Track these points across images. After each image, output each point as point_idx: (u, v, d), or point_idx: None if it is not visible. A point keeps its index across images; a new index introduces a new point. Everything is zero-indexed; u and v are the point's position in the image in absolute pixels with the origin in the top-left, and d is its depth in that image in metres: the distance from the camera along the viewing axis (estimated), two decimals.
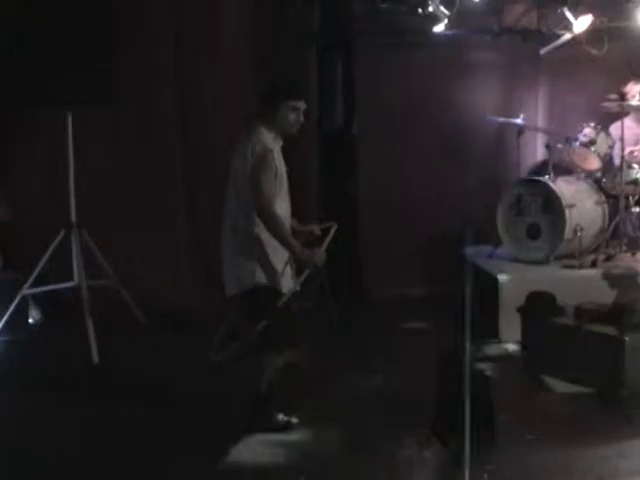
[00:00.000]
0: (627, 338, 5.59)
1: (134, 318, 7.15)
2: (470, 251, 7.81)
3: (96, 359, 6.43)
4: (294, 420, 5.20)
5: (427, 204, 8.11)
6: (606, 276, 6.97)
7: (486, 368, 5.65)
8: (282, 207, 5.02)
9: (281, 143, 5.10)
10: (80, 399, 5.69)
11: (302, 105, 5.08)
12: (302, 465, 4.72)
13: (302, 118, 5.09)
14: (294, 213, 5.19)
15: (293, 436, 5.09)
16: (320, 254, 5.00)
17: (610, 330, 5.72)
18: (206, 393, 5.67)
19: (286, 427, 5.16)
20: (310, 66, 7.87)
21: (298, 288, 5.09)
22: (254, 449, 4.92)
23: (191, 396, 5.65)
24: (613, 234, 7.48)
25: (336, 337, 6.96)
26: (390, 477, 4.60)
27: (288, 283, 5.07)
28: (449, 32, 7.68)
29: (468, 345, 4.57)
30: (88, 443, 5.04)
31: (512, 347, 6.60)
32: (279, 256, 5.01)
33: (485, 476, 4.49)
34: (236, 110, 7.40)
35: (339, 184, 8.13)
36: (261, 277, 4.99)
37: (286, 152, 5.12)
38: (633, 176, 7.39)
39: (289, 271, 5.10)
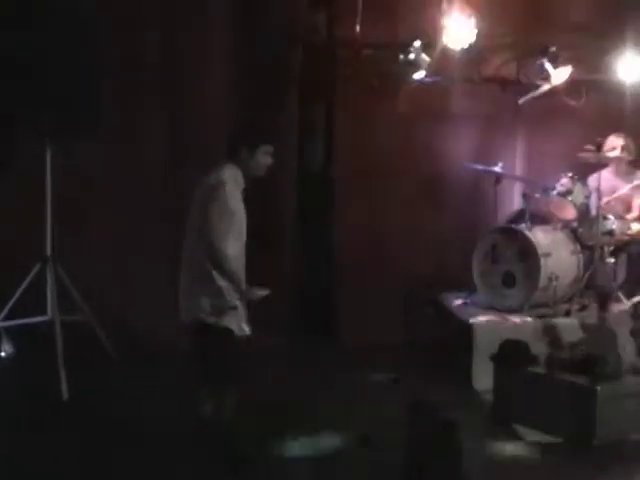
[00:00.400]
0: (599, 388, 5.61)
1: (107, 354, 7.08)
2: (445, 297, 7.86)
3: (66, 395, 6.36)
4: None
5: (404, 250, 8.08)
6: (580, 326, 6.99)
7: (457, 416, 5.58)
8: (235, 245, 5.00)
9: (244, 186, 5.11)
10: (47, 435, 5.63)
11: (271, 149, 5.16)
12: None
13: (270, 160, 5.16)
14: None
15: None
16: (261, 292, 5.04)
17: (582, 380, 5.74)
18: (177, 431, 5.58)
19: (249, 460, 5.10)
20: (291, 106, 7.90)
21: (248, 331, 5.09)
22: None
23: (162, 434, 5.57)
24: (587, 284, 7.50)
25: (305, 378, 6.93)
26: None
27: (241, 323, 5.05)
28: (429, 79, 7.73)
29: None
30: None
31: (485, 395, 6.57)
32: (232, 295, 4.99)
33: None
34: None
35: (316, 227, 8.14)
36: (210, 314, 4.97)
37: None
38: (609, 227, 7.44)
39: (243, 311, 5.06)
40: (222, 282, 4.95)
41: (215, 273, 4.93)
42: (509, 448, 5.65)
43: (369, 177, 8.04)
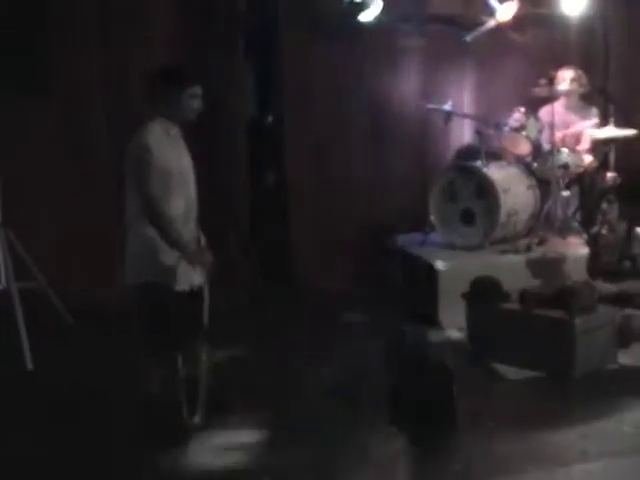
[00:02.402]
0: (577, 320, 5.65)
1: (62, 321, 6.87)
2: (402, 239, 7.82)
3: (30, 365, 6.15)
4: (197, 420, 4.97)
5: (358, 192, 8.02)
6: (541, 260, 7.03)
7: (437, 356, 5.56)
8: (176, 204, 4.81)
9: (178, 133, 4.90)
10: (20, 406, 5.48)
11: (199, 90, 4.88)
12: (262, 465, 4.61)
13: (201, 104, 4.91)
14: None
15: (238, 437, 4.96)
16: (208, 256, 4.93)
17: (559, 313, 5.77)
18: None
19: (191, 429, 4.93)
20: (237, 52, 7.68)
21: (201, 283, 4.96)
22: (202, 455, 4.75)
23: (128, 401, 5.38)
24: (545, 218, 7.54)
25: (274, 331, 6.84)
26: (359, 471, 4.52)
27: (186, 279, 4.88)
28: (375, 19, 7.60)
29: None
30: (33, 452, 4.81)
31: (455, 334, 6.57)
32: (172, 253, 4.80)
33: (457, 466, 4.45)
34: None
35: (268, 173, 8.00)
36: (148, 275, 4.82)
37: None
38: (563, 160, 7.45)
39: (186, 267, 4.86)
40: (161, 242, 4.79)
41: (151, 233, 4.77)
42: (492, 386, 5.65)
43: (319, 121, 7.91)
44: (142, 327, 4.92)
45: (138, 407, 5.02)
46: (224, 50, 7.55)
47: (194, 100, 4.85)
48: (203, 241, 5.05)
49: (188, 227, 4.91)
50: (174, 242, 4.76)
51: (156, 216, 4.71)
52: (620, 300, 6.27)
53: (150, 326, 4.84)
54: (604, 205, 6.62)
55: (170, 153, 4.81)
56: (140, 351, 4.91)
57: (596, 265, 6.74)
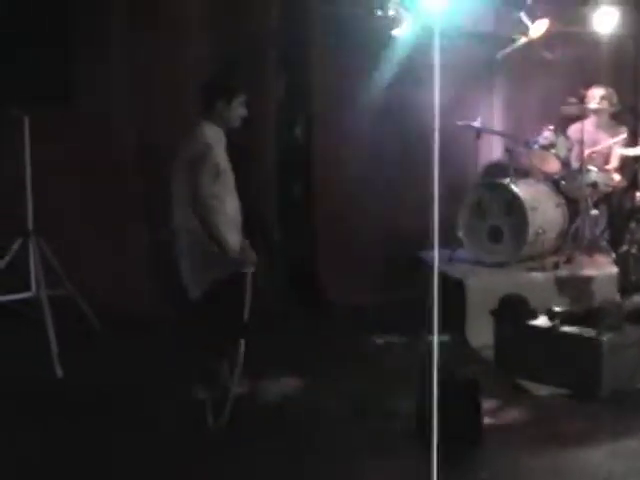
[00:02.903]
0: (605, 338, 5.64)
1: (91, 327, 6.91)
2: (429, 255, 7.80)
3: (60, 372, 6.19)
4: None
5: (386, 207, 8.04)
6: (569, 278, 7.03)
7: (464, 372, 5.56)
8: (231, 205, 4.99)
9: (225, 139, 5.09)
10: (51, 415, 5.48)
11: (245, 98, 5.17)
12: None
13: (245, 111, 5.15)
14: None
15: None
16: (252, 255, 5.03)
17: (586, 331, 5.77)
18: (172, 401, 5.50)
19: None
20: (269, 66, 7.74)
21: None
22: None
23: (158, 407, 5.46)
24: (573, 236, 7.53)
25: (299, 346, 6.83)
26: None
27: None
28: (408, 35, 7.62)
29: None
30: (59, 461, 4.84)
31: (483, 351, 6.57)
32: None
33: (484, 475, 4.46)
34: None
35: (295, 186, 8.03)
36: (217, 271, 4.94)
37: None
38: (592, 179, 7.46)
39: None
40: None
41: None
42: (518, 403, 5.65)
43: (348, 135, 7.93)
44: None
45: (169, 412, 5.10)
46: (255, 64, 7.59)
47: (241, 108, 5.11)
48: (245, 242, 5.15)
49: (238, 229, 5.08)
50: (218, 238, 4.89)
51: (207, 209, 4.84)
52: None
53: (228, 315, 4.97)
54: (632, 224, 6.61)
55: (224, 154, 5.05)
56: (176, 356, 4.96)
57: (626, 284, 6.72)
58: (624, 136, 7.75)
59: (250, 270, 4.98)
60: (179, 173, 5.06)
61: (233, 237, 5.01)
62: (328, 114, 7.93)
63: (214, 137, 5.01)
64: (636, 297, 6.39)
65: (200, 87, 5.39)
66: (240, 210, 5.16)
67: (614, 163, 7.81)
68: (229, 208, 4.98)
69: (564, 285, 6.99)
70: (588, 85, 7.72)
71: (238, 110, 5.11)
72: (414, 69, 7.88)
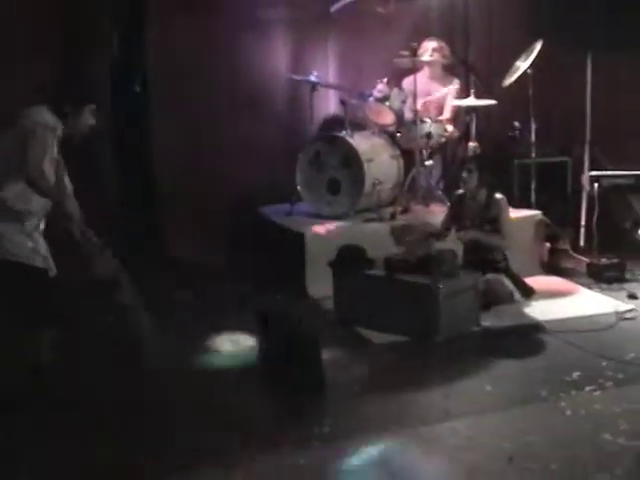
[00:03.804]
0: (440, 285, 5.79)
1: None
2: (270, 209, 7.84)
3: None
4: None
5: (226, 164, 7.96)
6: (407, 228, 7.16)
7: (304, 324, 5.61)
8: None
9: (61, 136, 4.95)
10: None
11: (94, 107, 5.10)
12: None
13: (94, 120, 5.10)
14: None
15: None
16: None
17: (422, 279, 5.90)
18: None
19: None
20: (103, 31, 7.52)
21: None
22: None
23: None
24: (408, 187, 7.68)
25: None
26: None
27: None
28: None
29: None
30: None
31: (323, 302, 6.64)
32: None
33: (325, 429, 4.52)
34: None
35: (136, 147, 7.84)
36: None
37: None
38: (426, 130, 7.60)
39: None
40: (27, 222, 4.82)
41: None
42: (358, 351, 5.75)
43: (185, 95, 7.80)
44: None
45: None
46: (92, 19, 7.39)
47: (91, 117, 5.04)
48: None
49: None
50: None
51: (40, 176, 4.71)
52: (483, 264, 6.46)
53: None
54: (464, 174, 6.77)
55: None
56: None
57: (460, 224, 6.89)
58: (456, 86, 7.94)
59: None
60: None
61: None
62: (165, 70, 7.76)
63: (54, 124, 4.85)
64: (471, 231, 6.57)
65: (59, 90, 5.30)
66: None
67: (447, 114, 8.00)
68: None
69: (401, 234, 7.11)
70: (421, 38, 7.84)
71: (87, 119, 5.01)
72: (249, 25, 7.87)
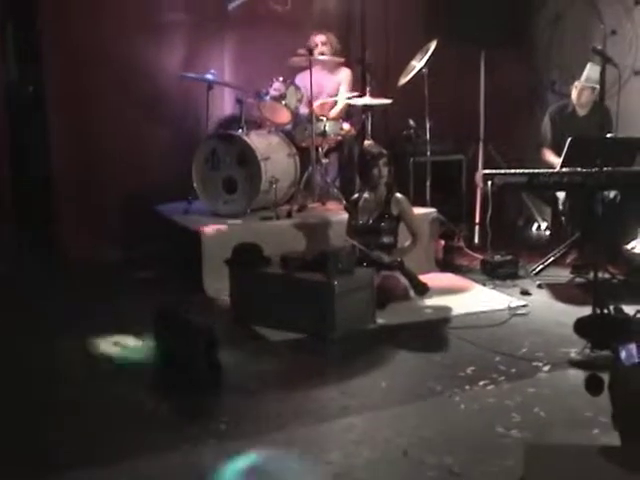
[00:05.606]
0: (335, 282, 5.80)
1: None
2: (166, 208, 7.77)
3: None
4: None
5: (122, 162, 7.89)
6: (301, 226, 7.18)
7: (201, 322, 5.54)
8: None
9: None
10: None
11: None
12: None
13: None
14: None
15: None
16: None
17: (318, 276, 5.90)
18: None
19: None
20: None
21: None
22: None
23: None
24: (305, 185, 7.69)
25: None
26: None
27: None
28: None
29: None
30: None
31: (220, 300, 6.60)
32: None
33: (222, 426, 4.47)
34: None
35: (29, 144, 7.67)
36: None
37: None
38: (322, 128, 7.62)
39: None
40: None
41: None
42: (254, 349, 5.72)
43: (82, 92, 7.67)
44: None
45: None
46: None
47: None
48: None
49: None
50: None
51: None
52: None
53: None
54: (375, 171, 6.78)
55: None
56: None
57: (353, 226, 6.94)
58: (348, 77, 7.97)
59: None
60: None
61: None
62: (61, 68, 7.64)
63: None
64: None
65: None
66: None
67: (341, 112, 8.02)
68: None
69: (297, 232, 7.13)
70: (309, 34, 7.89)
71: None
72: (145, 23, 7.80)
